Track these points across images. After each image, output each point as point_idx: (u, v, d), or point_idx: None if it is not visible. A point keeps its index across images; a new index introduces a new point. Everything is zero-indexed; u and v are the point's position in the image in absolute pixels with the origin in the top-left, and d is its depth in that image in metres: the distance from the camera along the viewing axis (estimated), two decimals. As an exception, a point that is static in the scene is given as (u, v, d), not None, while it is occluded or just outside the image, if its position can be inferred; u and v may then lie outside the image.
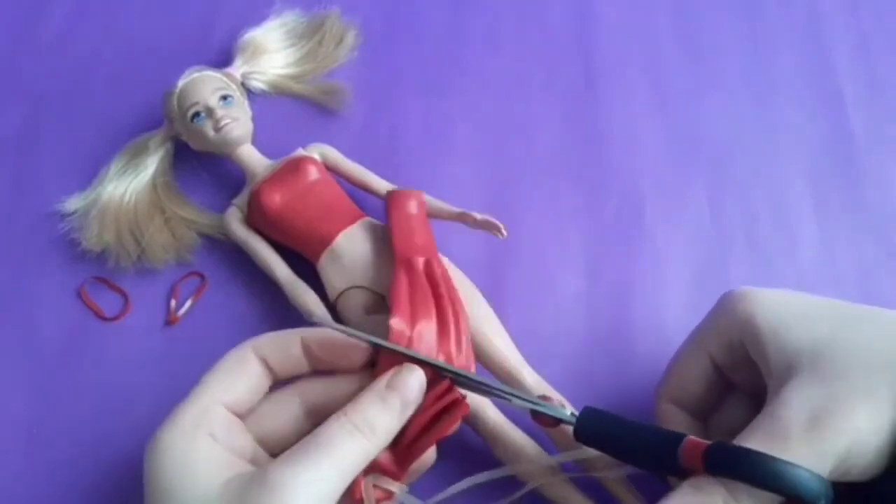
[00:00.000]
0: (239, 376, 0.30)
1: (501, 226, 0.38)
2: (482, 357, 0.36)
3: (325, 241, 0.38)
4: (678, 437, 0.28)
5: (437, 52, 0.49)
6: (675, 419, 0.33)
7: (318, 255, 0.38)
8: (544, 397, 0.31)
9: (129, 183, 0.42)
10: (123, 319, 0.40)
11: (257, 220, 0.40)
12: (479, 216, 0.39)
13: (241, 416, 0.30)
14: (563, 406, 0.31)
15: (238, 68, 0.45)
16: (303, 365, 0.31)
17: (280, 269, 0.39)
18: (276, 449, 0.29)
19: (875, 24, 0.49)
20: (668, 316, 0.40)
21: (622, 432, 0.29)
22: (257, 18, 0.47)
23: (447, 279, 0.36)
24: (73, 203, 0.43)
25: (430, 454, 0.31)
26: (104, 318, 0.40)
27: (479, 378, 0.31)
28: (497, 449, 0.35)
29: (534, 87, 0.47)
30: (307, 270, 0.39)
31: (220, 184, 0.44)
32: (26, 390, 0.39)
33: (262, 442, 0.30)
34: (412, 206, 0.39)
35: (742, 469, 0.25)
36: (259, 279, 0.40)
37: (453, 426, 0.30)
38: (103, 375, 0.39)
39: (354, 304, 0.37)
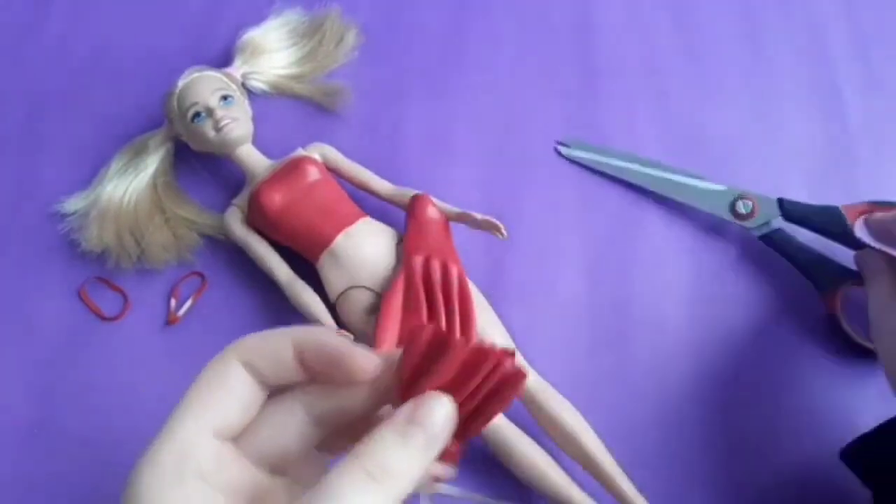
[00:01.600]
0: (225, 393, 0.24)
1: (502, 226, 0.38)
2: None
3: (325, 242, 0.38)
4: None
5: (438, 51, 0.49)
6: None
7: (318, 255, 0.38)
8: None
9: (129, 183, 0.42)
10: (123, 319, 0.40)
11: (257, 220, 0.40)
12: (479, 216, 0.39)
13: (235, 437, 0.25)
14: None
15: (238, 68, 0.45)
16: (298, 373, 0.25)
17: (280, 269, 0.39)
18: (281, 466, 0.25)
19: (874, 24, 0.49)
20: (668, 316, 0.40)
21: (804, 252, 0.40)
22: (257, 18, 0.47)
23: (462, 281, 0.36)
24: (73, 203, 0.43)
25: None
26: (104, 318, 0.40)
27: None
28: (508, 460, 0.35)
29: (534, 87, 0.47)
30: (307, 270, 0.39)
31: (220, 184, 0.44)
32: (26, 390, 0.39)
33: (262, 460, 0.25)
34: (431, 211, 0.39)
35: None
36: (259, 279, 0.40)
37: (508, 403, 0.25)
38: (103, 375, 0.39)
39: (354, 303, 0.37)
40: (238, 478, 0.24)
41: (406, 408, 0.23)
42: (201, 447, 0.23)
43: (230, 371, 0.24)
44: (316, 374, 0.25)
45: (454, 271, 0.36)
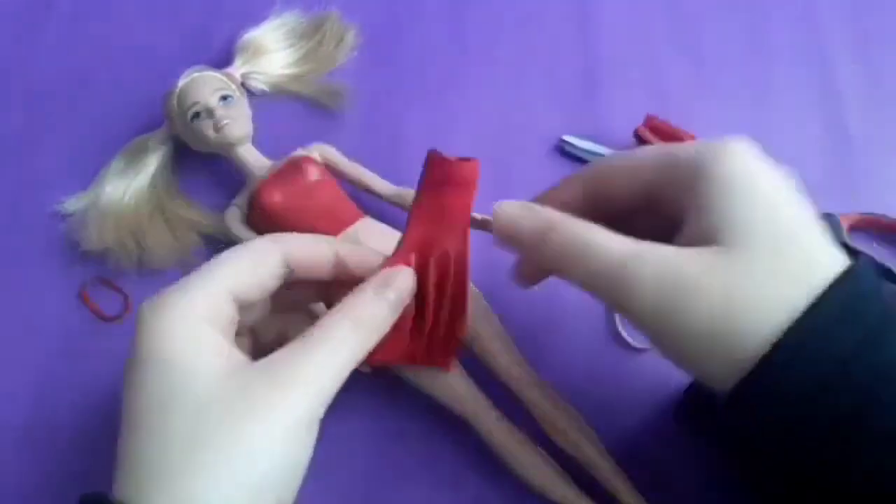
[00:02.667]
0: (256, 271, 0.28)
1: (501, 226, 0.38)
2: (480, 357, 0.36)
3: (326, 242, 0.38)
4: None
5: (438, 51, 0.49)
6: None
7: (319, 255, 0.38)
8: None
9: (129, 183, 0.42)
10: (124, 319, 0.40)
11: (257, 220, 0.40)
12: (479, 216, 0.38)
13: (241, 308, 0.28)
14: None
15: (238, 68, 0.45)
16: (327, 275, 0.30)
17: (280, 269, 0.39)
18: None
19: (875, 24, 0.49)
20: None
21: None
22: (257, 19, 0.47)
23: (460, 266, 0.34)
24: (74, 203, 0.43)
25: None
26: (104, 318, 0.40)
27: None
28: (512, 466, 0.35)
29: (534, 87, 0.47)
30: (307, 271, 0.39)
31: (220, 184, 0.44)
32: (25, 390, 0.39)
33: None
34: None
35: None
36: (259, 279, 0.40)
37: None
38: (103, 376, 0.39)
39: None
40: (235, 330, 0.28)
41: (380, 275, 0.29)
42: (226, 309, 0.27)
43: (269, 258, 0.29)
44: (347, 277, 0.30)
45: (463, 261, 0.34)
